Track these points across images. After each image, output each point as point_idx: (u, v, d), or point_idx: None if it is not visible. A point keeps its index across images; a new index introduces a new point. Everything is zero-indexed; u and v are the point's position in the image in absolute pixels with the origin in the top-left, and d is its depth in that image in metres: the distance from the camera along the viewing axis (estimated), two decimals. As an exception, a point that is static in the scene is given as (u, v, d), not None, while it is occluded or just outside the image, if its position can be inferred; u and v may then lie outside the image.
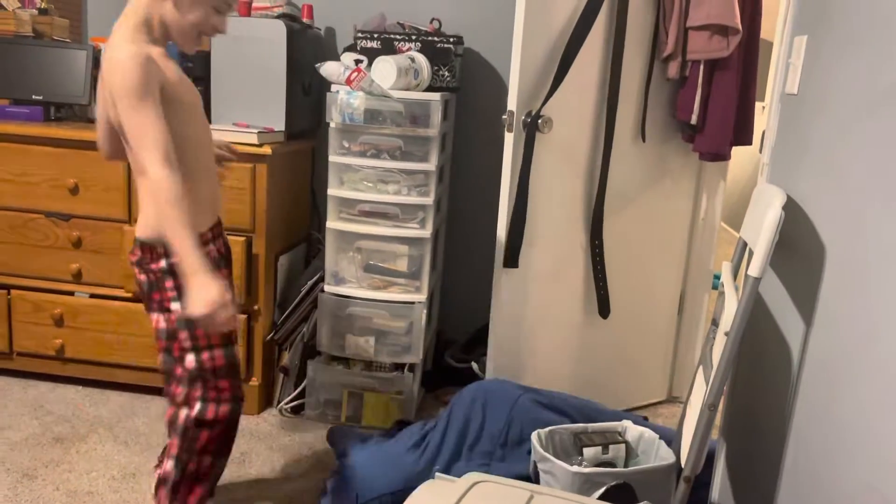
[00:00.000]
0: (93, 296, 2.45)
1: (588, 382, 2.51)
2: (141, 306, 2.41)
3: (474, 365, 2.67)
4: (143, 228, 1.59)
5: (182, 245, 1.41)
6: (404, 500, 1.42)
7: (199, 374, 1.59)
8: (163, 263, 1.57)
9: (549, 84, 2.15)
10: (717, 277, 4.04)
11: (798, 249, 1.40)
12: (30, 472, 2.00)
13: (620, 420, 1.90)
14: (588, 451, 1.77)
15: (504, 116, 2.14)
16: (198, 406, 1.60)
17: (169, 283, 1.58)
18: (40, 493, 1.91)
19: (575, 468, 1.59)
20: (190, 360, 1.59)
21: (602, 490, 1.57)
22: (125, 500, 1.92)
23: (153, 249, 1.58)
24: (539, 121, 2.12)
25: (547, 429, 1.77)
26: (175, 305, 1.57)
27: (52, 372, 2.51)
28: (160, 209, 1.42)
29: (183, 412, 1.60)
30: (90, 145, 2.37)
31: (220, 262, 1.70)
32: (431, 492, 1.53)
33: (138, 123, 1.42)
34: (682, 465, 1.45)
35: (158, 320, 1.62)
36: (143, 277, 1.62)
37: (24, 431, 2.21)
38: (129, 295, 2.43)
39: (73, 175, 2.39)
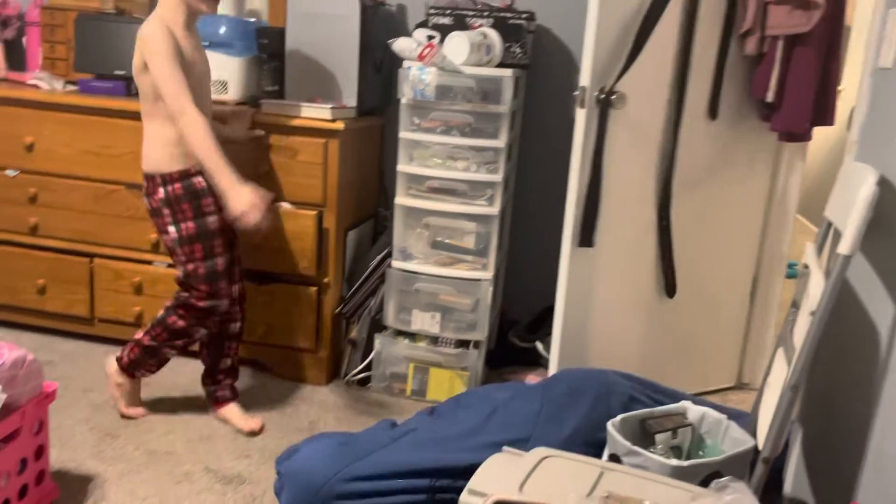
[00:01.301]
0: (169, 265, 2.54)
1: (655, 365, 2.48)
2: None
3: (538, 345, 2.67)
4: (147, 162, 2.04)
5: (217, 166, 1.88)
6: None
7: (186, 280, 2.05)
8: (161, 194, 2.02)
9: (622, 59, 2.11)
10: (791, 266, 3.94)
11: (889, 230, 1.35)
12: (112, 432, 2.10)
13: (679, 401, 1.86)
14: (660, 438, 1.74)
15: (576, 93, 2.12)
16: (185, 296, 2.06)
17: (167, 211, 2.03)
18: (122, 451, 2.00)
19: (674, 461, 1.55)
20: (182, 270, 2.05)
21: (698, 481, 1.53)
22: (202, 460, 1.99)
23: (153, 180, 2.03)
24: (613, 97, 2.09)
25: (619, 417, 1.74)
26: (172, 229, 2.03)
27: (131, 338, 2.61)
28: (196, 139, 1.88)
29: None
30: (170, 119, 2.44)
31: (209, 193, 2.02)
32: (501, 464, 1.54)
33: (171, 76, 1.88)
34: (760, 447, 1.42)
35: (163, 240, 2.12)
36: (148, 206, 2.07)
37: (105, 394, 2.31)
38: (205, 265, 2.50)
39: (154, 148, 2.47)
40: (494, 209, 2.39)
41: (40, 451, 1.73)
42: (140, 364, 2.16)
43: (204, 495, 1.84)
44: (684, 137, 2.29)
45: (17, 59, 2.81)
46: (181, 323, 2.08)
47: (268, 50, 2.52)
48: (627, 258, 2.35)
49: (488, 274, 2.43)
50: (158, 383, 2.41)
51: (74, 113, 2.49)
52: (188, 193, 2.01)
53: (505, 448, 1.61)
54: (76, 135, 2.50)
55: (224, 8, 2.62)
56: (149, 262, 2.55)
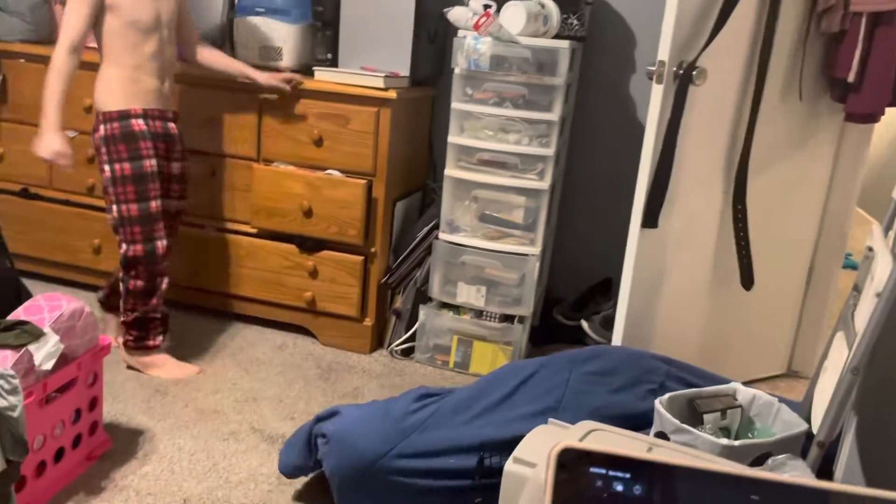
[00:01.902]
0: (220, 229, 2.58)
1: (710, 350, 2.43)
2: (265, 242, 2.53)
3: (584, 323, 2.64)
4: (95, 100, 2.13)
5: (45, 106, 1.99)
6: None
7: (119, 223, 2.12)
8: (101, 132, 2.10)
9: (703, 34, 2.03)
10: (847, 256, 3.81)
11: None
12: (161, 389, 2.15)
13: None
14: (708, 418, 1.71)
15: (650, 67, 2.04)
16: (123, 248, 2.13)
17: (103, 150, 2.11)
18: (171, 408, 2.05)
19: (724, 441, 1.52)
20: (114, 210, 2.12)
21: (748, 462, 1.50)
22: (248, 420, 2.03)
23: (97, 118, 2.11)
24: (693, 72, 2.00)
25: (666, 396, 1.71)
26: (107, 168, 2.11)
27: (182, 300, 2.66)
28: (48, 76, 2.00)
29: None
30: (224, 84, 2.46)
31: (149, 137, 2.13)
32: (546, 435, 1.53)
33: (68, 13, 2.01)
34: (815, 430, 1.38)
35: (99, 180, 2.20)
36: (92, 143, 2.16)
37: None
38: (256, 231, 2.53)
39: (209, 113, 2.49)
40: (545, 184, 2.36)
41: (94, 403, 1.78)
42: (143, 338, 2.22)
43: (250, 454, 1.87)
44: (759, 118, 2.21)
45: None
46: (140, 282, 2.16)
47: (322, 17, 2.52)
48: (690, 241, 2.29)
49: (536, 249, 2.41)
50: (205, 345, 2.45)
51: (132, 76, 2.53)
52: (125, 134, 2.08)
53: (551, 420, 1.60)
54: (134, 98, 2.54)
55: (281, -25, 2.62)
56: (201, 227, 2.59)
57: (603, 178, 2.77)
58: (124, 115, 2.09)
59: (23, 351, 1.50)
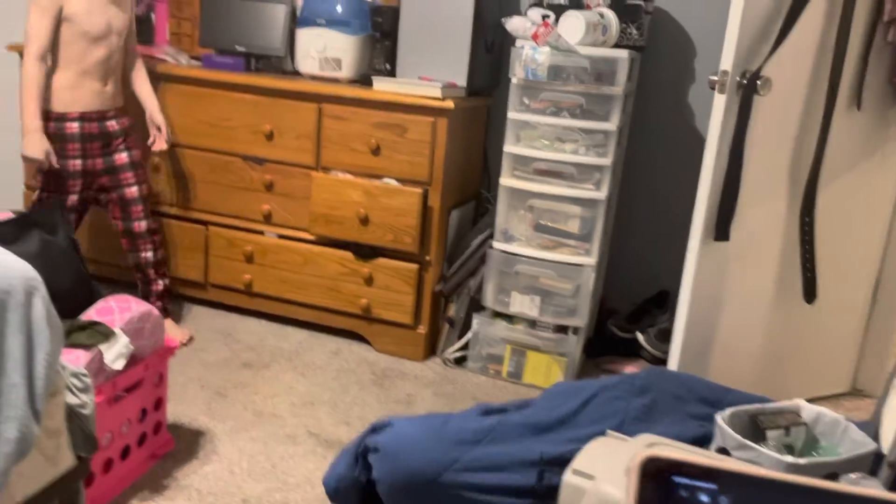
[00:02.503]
0: (280, 236, 2.63)
1: (771, 366, 2.37)
2: (322, 249, 2.57)
3: (639, 336, 2.61)
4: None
5: (24, 111, 2.19)
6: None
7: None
8: (48, 129, 2.26)
9: (767, 42, 1.99)
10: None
11: None
12: (221, 391, 2.20)
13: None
14: (772, 434, 1.67)
15: (713, 77, 2.01)
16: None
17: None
18: (230, 411, 2.09)
19: (789, 458, 1.48)
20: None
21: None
22: (305, 424, 2.06)
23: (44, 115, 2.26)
24: (758, 82, 1.97)
25: (728, 411, 1.67)
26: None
27: (241, 304, 2.72)
28: (21, 83, 2.20)
29: None
30: (286, 94, 2.52)
31: (78, 139, 2.31)
32: (605, 447, 1.52)
33: (31, 24, 2.20)
34: (885, 450, 1.34)
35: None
36: None
37: (216, 355, 2.42)
38: (313, 238, 2.57)
39: (269, 122, 2.55)
40: (601, 194, 2.34)
41: (159, 403, 1.83)
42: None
43: (307, 457, 1.90)
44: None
45: (146, 34, 2.95)
46: None
47: (381, 28, 2.56)
48: (753, 254, 2.23)
49: (591, 260, 2.39)
50: (264, 347, 2.50)
51: (197, 86, 2.61)
52: (58, 135, 2.28)
53: (609, 432, 1.58)
54: (197, 107, 2.62)
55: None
56: (260, 233, 2.65)
57: (660, 188, 2.74)
58: (60, 118, 2.29)
59: (95, 351, 1.55)
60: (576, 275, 2.39)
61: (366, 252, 2.52)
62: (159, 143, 2.50)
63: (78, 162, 2.31)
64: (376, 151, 2.45)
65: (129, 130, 2.44)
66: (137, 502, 1.66)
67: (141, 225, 2.44)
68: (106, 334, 1.57)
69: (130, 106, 2.47)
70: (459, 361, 2.54)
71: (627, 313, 2.72)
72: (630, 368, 2.55)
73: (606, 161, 2.31)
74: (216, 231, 2.69)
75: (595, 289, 2.50)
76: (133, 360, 1.68)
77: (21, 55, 2.27)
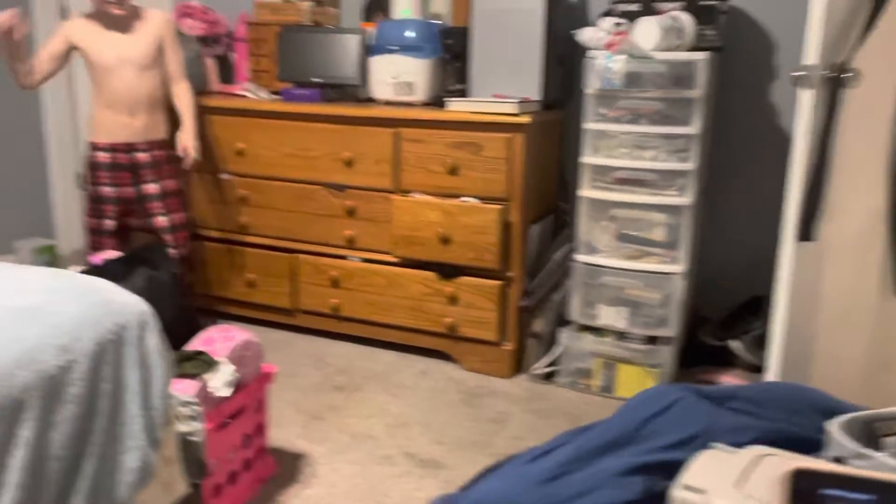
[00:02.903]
0: (364, 260, 2.68)
1: (877, 368, 2.24)
2: (405, 270, 2.60)
3: (732, 343, 2.52)
4: None
5: None
6: None
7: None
8: (89, 156, 2.54)
9: (854, 32, 1.91)
10: None
11: None
12: (317, 415, 2.24)
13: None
14: (890, 441, 1.58)
15: (796, 73, 1.94)
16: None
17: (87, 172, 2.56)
18: (327, 433, 2.14)
19: None
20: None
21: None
22: (400, 444, 2.08)
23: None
24: (845, 75, 1.89)
25: (841, 418, 1.59)
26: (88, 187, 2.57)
27: (329, 329, 2.78)
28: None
29: None
30: (363, 121, 2.58)
31: (108, 168, 2.52)
32: (714, 461, 1.47)
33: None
34: None
35: None
36: None
37: (309, 379, 2.47)
38: (397, 260, 2.61)
39: (348, 149, 2.61)
40: (686, 199, 2.29)
41: (260, 428, 1.88)
42: None
43: (404, 478, 1.92)
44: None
45: (227, 73, 3.09)
46: None
47: (452, 50, 2.59)
48: (852, 252, 2.13)
49: (679, 267, 2.33)
50: (355, 370, 2.54)
51: (277, 119, 2.70)
52: (91, 163, 2.51)
53: (712, 444, 1.53)
54: (279, 139, 2.71)
55: (409, 11, 2.72)
56: (344, 258, 2.71)
57: (748, 190, 2.65)
58: (93, 147, 2.50)
59: (201, 380, 1.61)
60: (664, 284, 2.34)
61: (448, 271, 2.54)
62: (186, 163, 2.59)
63: (109, 189, 2.52)
64: (453, 171, 2.48)
65: (163, 162, 2.58)
66: (246, 526, 1.71)
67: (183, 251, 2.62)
68: (210, 363, 1.63)
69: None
70: (548, 377, 2.52)
71: (720, 321, 2.64)
72: (726, 378, 2.46)
73: (689, 166, 2.26)
74: (303, 258, 2.76)
75: (685, 297, 2.44)
76: (235, 388, 1.74)
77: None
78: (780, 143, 2.49)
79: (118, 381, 1.23)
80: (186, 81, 2.63)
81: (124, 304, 1.30)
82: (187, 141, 2.55)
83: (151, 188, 2.56)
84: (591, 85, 2.30)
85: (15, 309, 1.16)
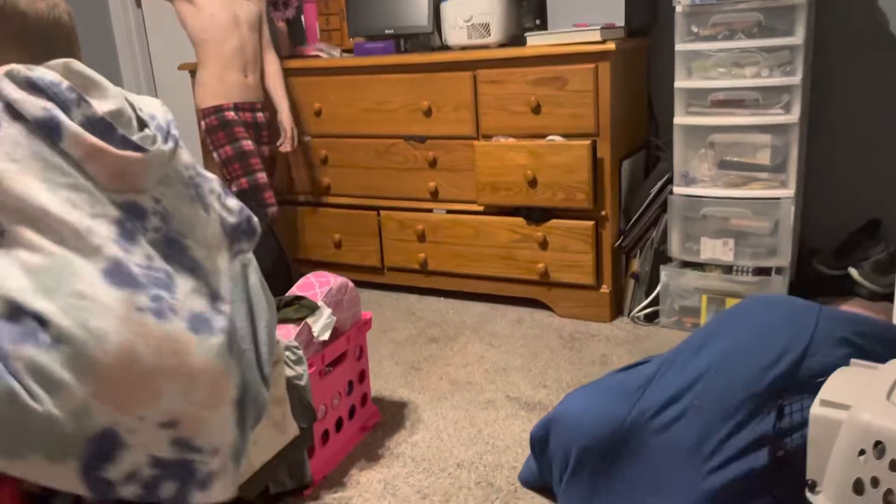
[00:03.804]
0: (449, 212, 2.62)
1: None
2: (491, 219, 2.52)
3: (852, 271, 2.34)
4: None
5: None
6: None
7: (242, 198, 2.36)
8: (203, 125, 2.48)
9: None
10: None
11: None
12: (415, 365, 2.21)
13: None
14: None
15: None
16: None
17: (208, 141, 2.47)
18: (427, 381, 2.10)
19: None
20: (232, 188, 2.42)
21: None
22: (502, 389, 2.02)
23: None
24: None
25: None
26: (214, 155, 2.46)
27: (418, 284, 2.74)
28: None
29: None
30: (439, 67, 2.50)
31: (240, 123, 2.46)
32: (856, 376, 1.34)
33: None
34: None
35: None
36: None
37: (403, 333, 2.44)
38: (482, 209, 2.54)
39: (426, 98, 2.55)
40: (793, 117, 2.12)
41: (362, 376, 1.85)
42: None
43: (511, 420, 1.86)
44: None
45: (298, 36, 3.06)
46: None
47: (527, -17, 2.47)
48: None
49: (789, 192, 2.17)
50: (447, 323, 2.50)
51: (352, 75, 2.66)
52: (222, 123, 2.41)
53: (853, 361, 1.40)
54: (356, 95, 2.66)
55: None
56: (429, 210, 2.65)
57: (858, 104, 2.45)
58: (218, 109, 2.42)
59: (302, 324, 1.59)
60: (772, 210, 2.19)
61: (537, 215, 2.45)
62: (286, 146, 2.59)
63: (249, 143, 2.44)
64: (537, 110, 2.38)
65: (269, 124, 2.56)
66: (356, 471, 1.68)
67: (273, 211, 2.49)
68: (311, 308, 1.61)
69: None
70: (650, 318, 2.41)
71: (834, 249, 2.46)
72: (846, 308, 2.29)
73: (795, 80, 2.09)
74: (387, 215, 2.72)
75: (796, 223, 2.28)
76: (335, 333, 1.71)
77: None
78: (894, 47, 2.27)
79: None
80: (274, 52, 2.65)
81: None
82: (288, 123, 2.59)
83: (264, 150, 2.56)
84: (681, 2, 2.15)
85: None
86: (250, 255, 1.32)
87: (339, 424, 1.74)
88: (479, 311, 2.59)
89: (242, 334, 1.21)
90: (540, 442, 1.55)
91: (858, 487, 1.19)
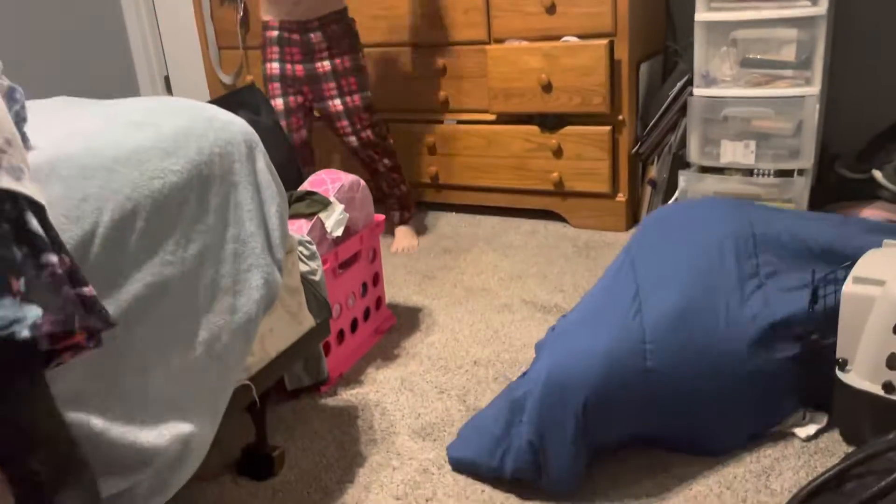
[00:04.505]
0: (460, 122, 2.54)
1: None
2: (505, 127, 2.45)
3: (876, 173, 2.27)
4: None
5: None
6: None
7: None
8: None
9: None
10: None
11: None
12: (429, 274, 2.18)
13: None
14: None
15: None
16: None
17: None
18: (441, 289, 2.07)
19: None
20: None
21: None
22: (517, 294, 1.99)
23: None
24: None
25: None
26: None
27: (429, 199, 2.69)
28: None
29: None
30: (449, -32, 2.39)
31: (281, 42, 2.23)
32: (887, 256, 1.30)
33: None
34: None
35: None
36: None
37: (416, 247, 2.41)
38: (494, 117, 2.47)
39: (434, 1, 2.45)
40: (820, 9, 2.02)
41: (376, 279, 1.82)
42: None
43: (527, 322, 1.83)
44: None
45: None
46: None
47: None
48: None
49: (814, 89, 2.09)
50: (460, 235, 2.46)
51: (358, -20, 2.55)
52: (267, 40, 2.25)
53: (886, 242, 1.36)
54: (363, 0, 2.56)
55: None
56: (440, 122, 2.58)
57: (887, 3, 2.34)
58: (265, 26, 2.25)
59: (315, 219, 1.55)
60: (796, 109, 2.11)
61: (552, 122, 2.38)
62: None
63: (275, 66, 2.24)
64: (551, 9, 2.28)
65: (337, 39, 2.22)
66: (373, 370, 1.67)
67: (352, 140, 2.29)
68: (323, 203, 1.56)
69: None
70: (667, 225, 2.36)
71: (857, 152, 2.39)
72: (868, 212, 2.24)
73: (823, -32, 1.99)
74: (396, 128, 2.65)
75: (819, 124, 2.20)
76: (348, 233, 1.67)
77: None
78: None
79: (228, 197, 1.16)
80: None
81: (228, 121, 1.23)
82: None
83: (326, 66, 2.22)
84: None
85: (114, 121, 1.10)
86: (257, 140, 1.27)
87: (354, 325, 1.72)
88: (492, 224, 2.55)
89: (246, 217, 1.17)
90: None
91: (893, 362, 1.16)
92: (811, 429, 1.31)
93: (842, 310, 1.22)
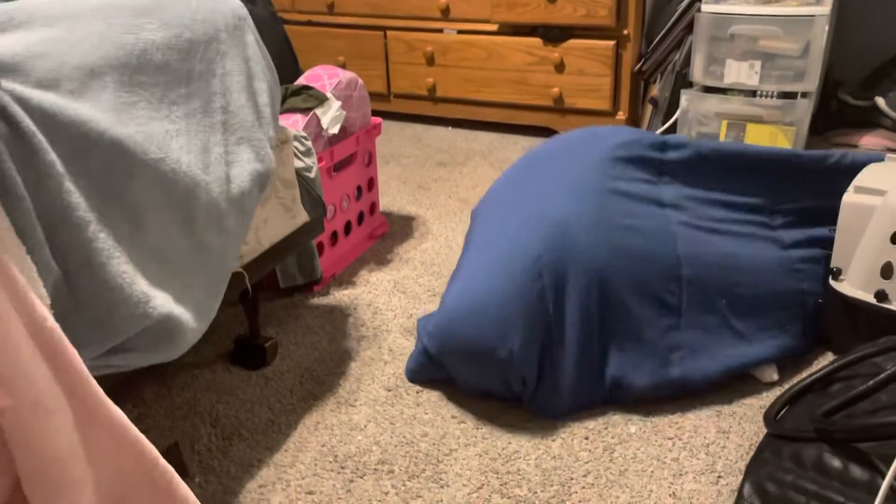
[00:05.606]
0: (461, 32, 2.47)
1: None
2: (506, 39, 2.39)
3: (879, 100, 2.25)
4: None
5: None
6: None
7: None
8: None
9: None
10: None
11: None
12: (423, 185, 2.15)
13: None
14: None
15: None
16: None
17: None
18: (435, 199, 2.05)
19: None
20: None
21: None
22: (513, 206, 1.98)
23: None
24: None
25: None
26: None
27: (426, 112, 2.65)
28: None
29: None
30: None
31: None
32: (887, 167, 1.29)
33: None
34: None
35: None
36: None
37: (410, 157, 2.37)
38: (495, 28, 2.40)
39: None
40: (839, -78, 1.95)
41: (371, 184, 1.80)
42: None
43: (522, 232, 1.82)
44: None
45: None
46: None
47: None
48: None
49: (824, 9, 2.03)
50: (455, 149, 2.42)
51: None
52: None
53: (889, 156, 1.35)
54: None
55: None
56: (439, 31, 2.51)
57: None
58: None
59: (310, 115, 1.51)
60: (804, 29, 2.06)
61: (555, 35, 2.32)
62: None
63: None
64: (561, -85, 2.19)
65: None
66: (366, 272, 1.66)
67: None
68: (320, 98, 1.53)
69: None
70: (666, 146, 2.33)
71: (861, 79, 2.35)
72: (868, 139, 2.22)
73: None
74: (394, 35, 2.58)
75: (826, 47, 2.16)
76: (343, 133, 1.64)
77: None
78: None
79: (213, 65, 1.11)
80: None
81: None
82: None
83: None
84: None
85: None
86: (246, 14, 1.22)
87: (347, 228, 1.71)
88: (489, 139, 2.51)
89: (234, 88, 1.13)
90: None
91: (887, 271, 1.16)
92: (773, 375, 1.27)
93: (840, 219, 1.22)
